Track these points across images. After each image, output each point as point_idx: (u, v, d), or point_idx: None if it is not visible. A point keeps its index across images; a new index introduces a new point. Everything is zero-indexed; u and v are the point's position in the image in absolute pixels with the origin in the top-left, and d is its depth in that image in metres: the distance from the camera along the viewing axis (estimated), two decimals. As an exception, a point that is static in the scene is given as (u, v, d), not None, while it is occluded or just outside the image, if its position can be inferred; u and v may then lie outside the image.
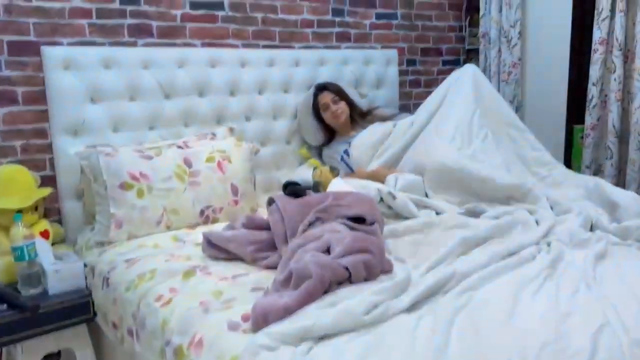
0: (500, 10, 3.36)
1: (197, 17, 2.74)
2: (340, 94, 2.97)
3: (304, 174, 2.88)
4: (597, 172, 3.06)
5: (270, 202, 1.94)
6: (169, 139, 2.54)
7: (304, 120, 2.99)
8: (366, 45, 3.40)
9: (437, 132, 2.56)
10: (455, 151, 2.42)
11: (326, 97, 2.91)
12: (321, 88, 2.97)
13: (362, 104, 3.13)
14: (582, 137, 3.21)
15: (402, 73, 3.56)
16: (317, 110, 2.93)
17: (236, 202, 2.37)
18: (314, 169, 2.43)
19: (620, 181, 2.95)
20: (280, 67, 2.95)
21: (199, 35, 2.76)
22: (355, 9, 3.31)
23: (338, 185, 2.18)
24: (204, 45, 2.77)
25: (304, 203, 1.87)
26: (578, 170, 3.23)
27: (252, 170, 2.51)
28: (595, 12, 2.87)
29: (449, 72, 3.81)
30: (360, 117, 3.01)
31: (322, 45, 3.21)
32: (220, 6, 2.80)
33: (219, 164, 2.35)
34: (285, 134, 3.01)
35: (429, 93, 3.74)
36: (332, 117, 2.90)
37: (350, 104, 3.00)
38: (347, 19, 3.29)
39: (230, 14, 2.83)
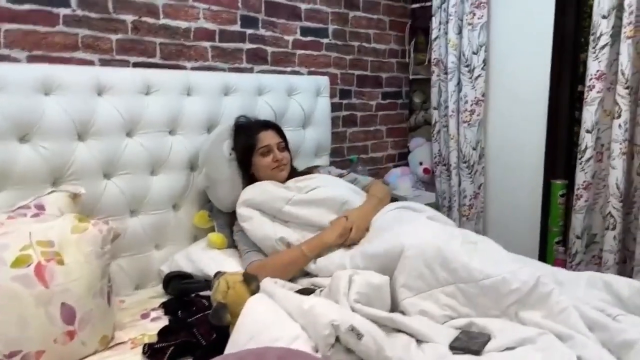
0: (460, 32, 2.61)
1: (21, 15, 1.69)
2: (286, 142, 2.09)
3: (198, 258, 1.90)
4: (590, 243, 2.35)
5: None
6: (-45, 217, 1.47)
7: (215, 171, 1.99)
8: (288, 68, 2.50)
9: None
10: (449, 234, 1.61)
11: (272, 138, 2.01)
12: (265, 125, 2.06)
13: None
14: (562, 196, 2.51)
15: (334, 108, 2.69)
16: (247, 153, 1.99)
17: (72, 336, 1.33)
18: (216, 275, 1.41)
19: (620, 259, 2.24)
20: (162, 96, 1.96)
21: (24, 44, 1.71)
22: (274, 18, 2.41)
23: (258, 313, 1.21)
24: (31, 59, 1.73)
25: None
26: (560, 237, 2.52)
27: (106, 273, 1.47)
28: (591, 37, 2.18)
29: (390, 107, 3.04)
30: (296, 175, 2.08)
31: (227, 66, 2.27)
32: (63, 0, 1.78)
33: (39, 270, 1.30)
34: (170, 196, 2.00)
35: (367, 134, 2.96)
36: (273, 168, 1.98)
37: (291, 159, 2.11)
38: (263, 31, 2.37)
39: (79, 12, 1.82)
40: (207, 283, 1.76)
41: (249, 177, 2.00)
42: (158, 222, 1.98)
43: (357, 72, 2.82)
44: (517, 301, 1.46)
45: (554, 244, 2.59)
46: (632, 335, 1.29)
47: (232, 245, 1.96)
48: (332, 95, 2.67)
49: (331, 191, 1.93)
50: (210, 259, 1.87)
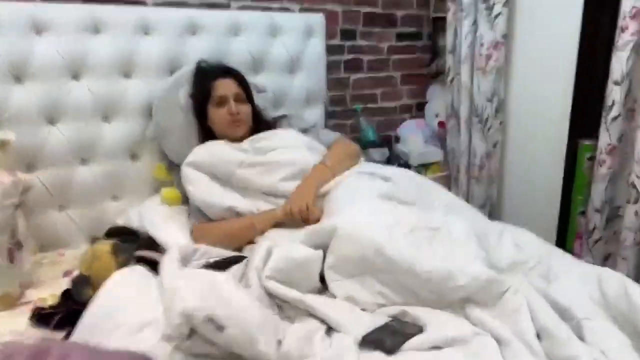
0: (479, -39, 2.21)
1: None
2: (249, 92, 1.85)
3: (147, 214, 1.77)
4: (612, 218, 1.99)
5: None
6: None
7: (168, 120, 1.86)
8: (274, 5, 2.24)
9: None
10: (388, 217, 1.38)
11: (230, 87, 1.78)
12: (225, 71, 1.84)
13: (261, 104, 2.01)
14: (590, 159, 2.13)
15: (333, 50, 2.43)
16: (202, 101, 1.80)
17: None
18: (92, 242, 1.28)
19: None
20: (114, 35, 1.80)
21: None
22: (256, -53, 2.14)
23: (115, 292, 1.07)
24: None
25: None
26: (582, 206, 2.16)
27: (6, 229, 1.38)
28: (627, -34, 1.74)
29: (406, 50, 2.71)
30: (259, 131, 1.83)
31: (198, 1, 2.05)
32: None
33: None
34: (126, 144, 1.88)
35: (377, 81, 2.67)
36: (229, 122, 1.76)
37: (255, 110, 1.87)
38: (242, -38, 2.13)
39: (12, -60, 1.66)
40: (150, 241, 1.66)
41: (205, 129, 1.83)
42: (113, 172, 1.87)
43: (364, 10, 2.51)
44: (465, 298, 1.24)
45: (577, 215, 2.23)
46: (573, 350, 1.03)
47: (187, 202, 1.82)
48: (331, 36, 2.40)
49: (291, 154, 1.72)
50: (158, 216, 1.74)
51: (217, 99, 1.77)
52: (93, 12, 1.76)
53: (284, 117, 1.99)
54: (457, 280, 1.23)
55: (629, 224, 1.84)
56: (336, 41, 2.45)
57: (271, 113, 2.14)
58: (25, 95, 1.66)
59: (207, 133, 1.82)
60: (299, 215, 1.50)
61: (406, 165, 2.44)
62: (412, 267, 1.25)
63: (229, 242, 1.55)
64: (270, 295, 1.25)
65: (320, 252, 1.37)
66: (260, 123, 1.89)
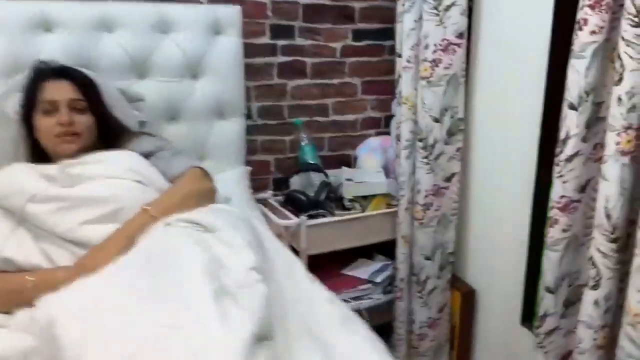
0: None
1: None
2: (92, 97, 1.45)
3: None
4: (575, 301, 1.36)
5: None
6: None
7: None
8: (172, -5, 1.85)
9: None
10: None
11: (63, 91, 1.40)
12: (59, 72, 1.46)
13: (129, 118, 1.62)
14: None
15: (261, 51, 1.99)
16: (28, 109, 1.43)
17: None
18: None
19: (609, 337, 1.24)
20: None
21: None
22: None
23: None
24: None
25: None
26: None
27: None
28: None
29: (370, 52, 2.20)
30: (109, 146, 1.45)
31: (59, -8, 1.71)
32: None
33: None
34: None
35: (327, 89, 2.16)
36: (57, 134, 1.38)
37: (103, 122, 1.48)
38: (123, -57, 1.74)
39: None
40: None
41: (34, 145, 1.47)
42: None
43: (303, 0, 2.03)
44: None
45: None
46: None
47: None
48: (256, 33, 1.97)
49: (105, 189, 1.30)
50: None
51: (44, 105, 1.40)
52: None
53: (140, 134, 1.58)
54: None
55: (586, 316, 1.22)
56: (265, 39, 2.00)
57: (160, 127, 1.78)
58: None
59: (37, 150, 1.47)
60: None
61: (340, 198, 1.94)
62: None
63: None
64: None
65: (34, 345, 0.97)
66: (110, 139, 1.50)
